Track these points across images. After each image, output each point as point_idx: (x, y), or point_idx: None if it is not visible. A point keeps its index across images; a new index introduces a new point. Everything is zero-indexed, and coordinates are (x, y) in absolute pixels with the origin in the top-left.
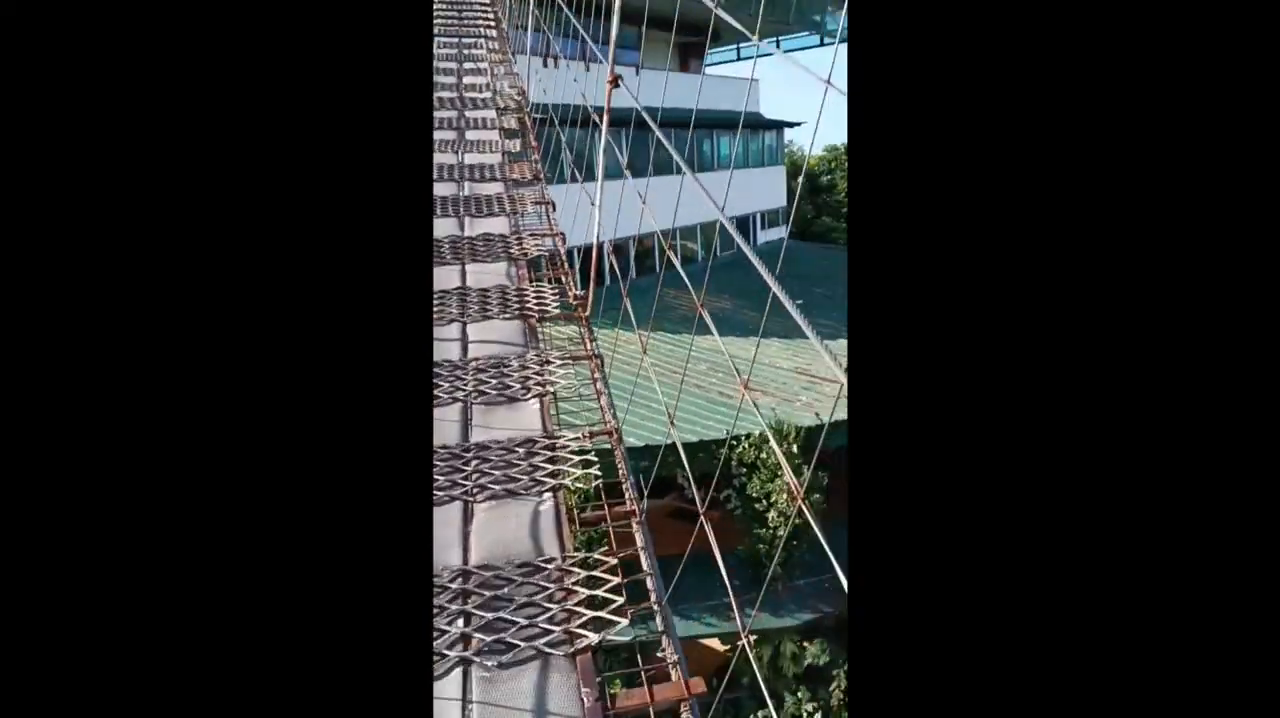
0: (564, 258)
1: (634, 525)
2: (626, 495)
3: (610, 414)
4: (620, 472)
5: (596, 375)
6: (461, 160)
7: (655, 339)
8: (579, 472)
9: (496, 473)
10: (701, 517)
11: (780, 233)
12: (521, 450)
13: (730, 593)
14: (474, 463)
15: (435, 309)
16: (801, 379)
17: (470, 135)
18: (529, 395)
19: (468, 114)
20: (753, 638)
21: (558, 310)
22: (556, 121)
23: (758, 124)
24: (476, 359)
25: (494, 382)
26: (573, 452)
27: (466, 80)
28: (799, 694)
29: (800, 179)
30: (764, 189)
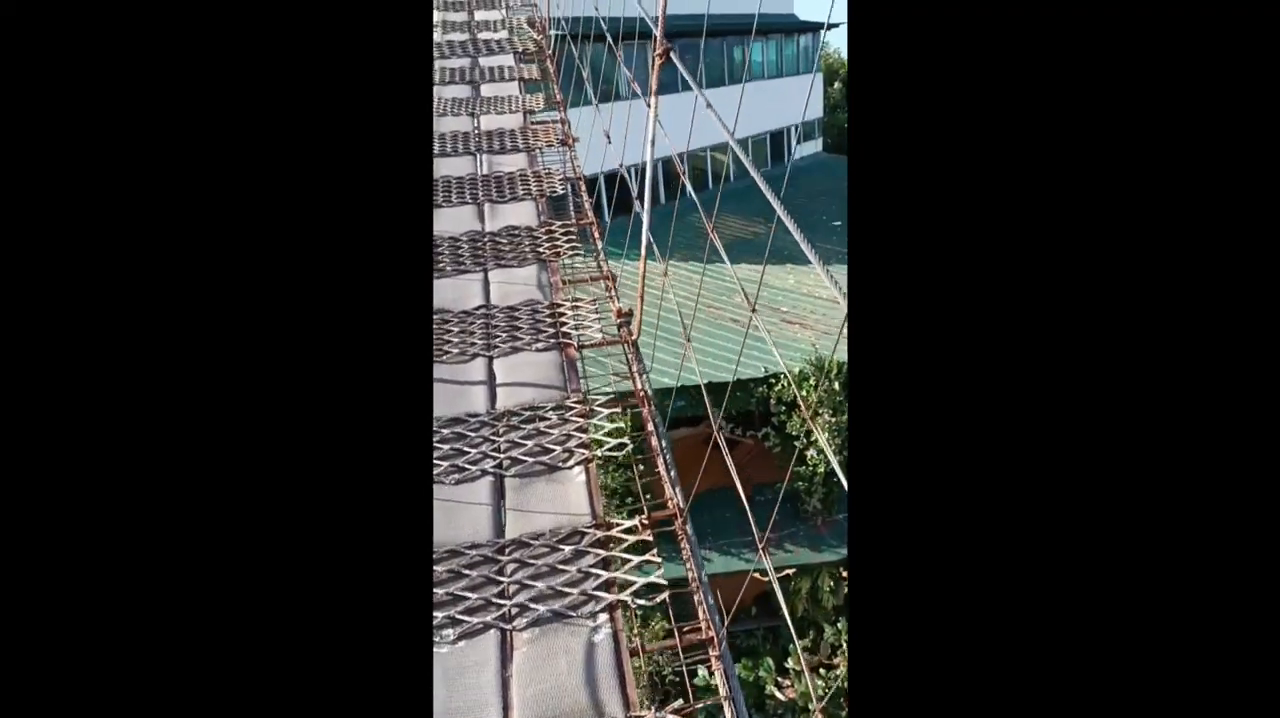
0: (605, 265)
1: (713, 660)
2: (701, 612)
3: (671, 481)
4: (689, 575)
5: (650, 428)
6: (478, 125)
7: (686, 269)
8: (640, 581)
9: (540, 584)
10: (736, 474)
11: (817, 147)
12: (568, 549)
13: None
14: (511, 568)
15: (458, 341)
16: (841, 309)
17: (485, 91)
18: (571, 462)
19: (482, 62)
20: (793, 571)
21: (600, 337)
22: (573, 39)
23: (791, 27)
24: (508, 412)
25: (529, 443)
26: (629, 548)
27: (479, 17)
28: (838, 625)
29: (837, 85)
30: (799, 99)
